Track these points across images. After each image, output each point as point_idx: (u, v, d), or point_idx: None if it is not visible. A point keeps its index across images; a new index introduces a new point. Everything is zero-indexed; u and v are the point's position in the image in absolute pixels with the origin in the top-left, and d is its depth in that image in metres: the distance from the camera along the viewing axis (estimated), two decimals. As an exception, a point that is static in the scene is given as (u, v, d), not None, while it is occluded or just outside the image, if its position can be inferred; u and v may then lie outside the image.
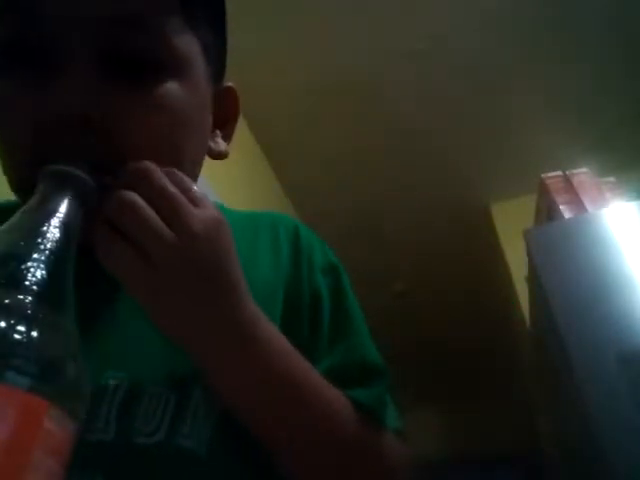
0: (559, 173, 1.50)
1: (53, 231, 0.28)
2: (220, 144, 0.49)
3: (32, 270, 0.25)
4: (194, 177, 0.43)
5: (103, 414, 0.35)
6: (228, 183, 1.66)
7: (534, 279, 1.37)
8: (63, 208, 0.29)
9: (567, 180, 1.46)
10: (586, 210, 1.37)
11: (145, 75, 0.38)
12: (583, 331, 1.11)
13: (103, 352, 0.37)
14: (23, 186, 0.36)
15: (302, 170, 2.40)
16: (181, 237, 0.32)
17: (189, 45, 0.41)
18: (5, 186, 0.40)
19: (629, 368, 1.04)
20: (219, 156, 0.49)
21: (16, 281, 0.24)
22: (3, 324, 0.22)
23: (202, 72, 0.43)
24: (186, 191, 0.33)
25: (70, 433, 0.24)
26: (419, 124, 2.21)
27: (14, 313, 0.23)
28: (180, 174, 0.34)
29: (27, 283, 0.25)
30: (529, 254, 1.36)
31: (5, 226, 0.28)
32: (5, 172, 0.39)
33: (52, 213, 0.29)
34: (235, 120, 0.52)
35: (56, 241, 0.27)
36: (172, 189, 0.33)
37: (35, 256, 0.26)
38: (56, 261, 0.27)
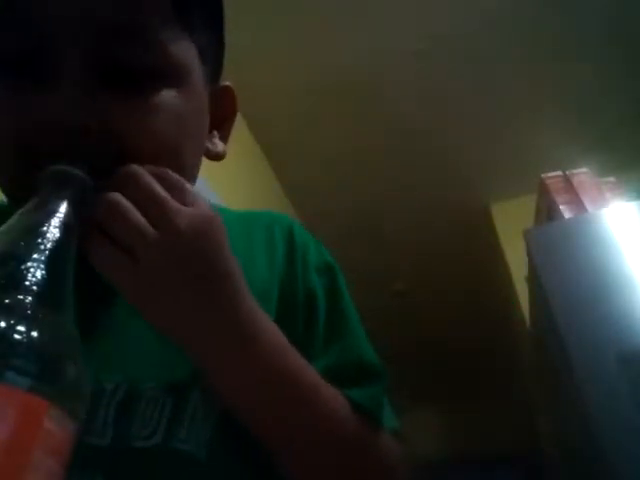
0: (559, 173, 1.50)
1: (53, 231, 0.28)
2: (218, 145, 0.49)
3: (32, 270, 0.25)
4: (192, 178, 0.43)
5: (100, 417, 0.36)
6: (228, 183, 1.66)
7: (534, 279, 1.37)
8: (63, 208, 0.29)
9: (567, 180, 1.46)
10: (586, 210, 1.37)
11: (142, 83, 0.38)
12: (583, 331, 1.11)
13: (100, 354, 0.37)
14: (17, 190, 0.36)
15: (302, 170, 2.40)
16: (165, 235, 0.32)
17: (185, 51, 0.41)
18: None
19: (629, 368, 1.04)
20: (217, 157, 0.49)
21: (16, 281, 0.24)
22: (3, 324, 0.22)
23: (199, 76, 0.43)
24: (177, 191, 0.33)
25: (70, 433, 0.24)
26: (419, 124, 2.21)
27: (14, 313, 0.23)
28: (172, 174, 0.34)
29: (27, 283, 0.25)
30: (529, 254, 1.36)
31: (5, 226, 0.28)
32: None
33: (52, 213, 0.29)
34: (232, 119, 0.51)
35: (56, 241, 0.27)
36: (158, 189, 0.33)
37: (35, 256, 0.26)
38: (56, 261, 0.27)
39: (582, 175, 1.46)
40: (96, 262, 0.32)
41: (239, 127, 1.99)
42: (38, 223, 0.28)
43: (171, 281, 0.32)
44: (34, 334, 0.23)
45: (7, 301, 0.23)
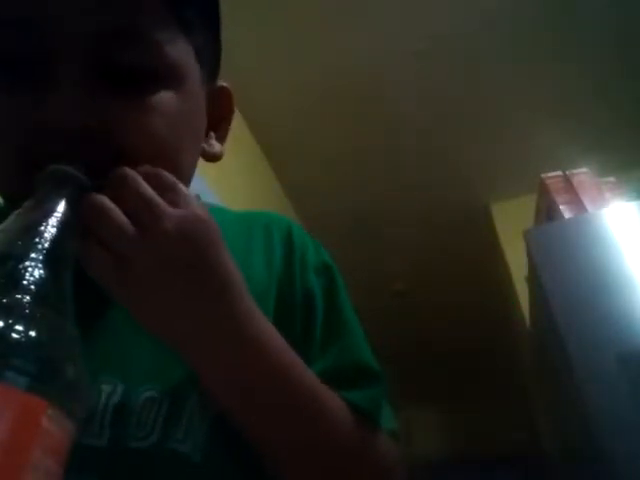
0: (559, 173, 1.50)
1: (51, 230, 0.28)
2: (214, 146, 0.49)
3: (30, 269, 0.25)
4: (189, 178, 0.43)
5: (97, 419, 0.36)
6: (228, 183, 1.66)
7: (534, 279, 1.37)
8: (61, 207, 0.29)
9: (567, 180, 1.46)
10: (586, 210, 1.37)
11: (141, 84, 0.38)
12: (583, 331, 1.11)
13: (98, 355, 0.37)
14: (16, 190, 0.36)
15: (302, 170, 2.40)
16: (150, 235, 0.31)
17: (183, 51, 0.41)
18: None
19: (629, 368, 1.04)
20: (214, 158, 0.48)
21: (14, 280, 0.24)
22: (1, 324, 0.22)
23: (196, 76, 0.43)
24: (170, 192, 0.33)
25: (69, 433, 0.24)
26: (419, 124, 2.21)
27: (12, 313, 0.23)
28: (166, 175, 0.34)
29: (25, 282, 0.24)
30: (529, 254, 1.36)
31: (2, 226, 0.28)
32: None
33: (50, 212, 0.29)
34: (229, 120, 0.51)
35: (54, 240, 0.27)
36: (149, 191, 0.33)
37: (33, 255, 0.26)
38: (54, 260, 0.27)
39: (582, 175, 1.46)
40: (85, 264, 0.32)
41: (239, 127, 1.99)
42: (36, 222, 0.28)
43: (158, 281, 0.32)
44: (32, 334, 0.23)
45: (5, 301, 0.23)
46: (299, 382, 0.38)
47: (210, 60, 0.46)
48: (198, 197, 0.56)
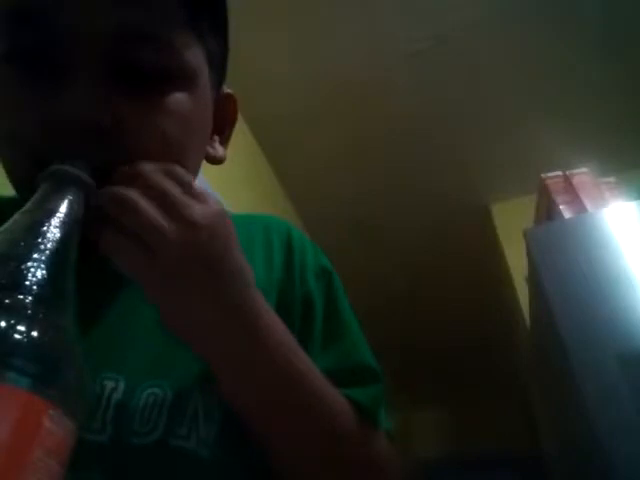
0: (559, 173, 1.50)
1: (53, 231, 0.28)
2: (218, 149, 0.50)
3: (32, 270, 0.25)
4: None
5: (99, 415, 0.36)
6: (228, 184, 1.66)
7: (534, 279, 1.37)
8: (63, 208, 0.29)
9: (567, 180, 1.46)
10: (586, 210, 1.37)
11: (155, 85, 0.39)
12: (583, 331, 1.11)
13: (101, 352, 0.37)
14: (24, 185, 0.36)
15: (302, 170, 2.40)
16: (180, 226, 0.32)
17: (196, 56, 0.42)
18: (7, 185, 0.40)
19: (629, 368, 1.04)
20: (216, 161, 0.49)
21: (16, 281, 0.24)
22: (3, 324, 0.22)
23: (207, 80, 0.44)
24: (186, 187, 0.34)
25: (70, 433, 0.24)
26: (419, 124, 2.21)
27: (14, 313, 0.23)
28: (180, 170, 0.35)
29: (27, 283, 0.25)
30: (529, 254, 1.36)
31: (5, 226, 0.28)
32: (7, 171, 0.40)
33: (52, 213, 0.29)
34: (233, 126, 0.53)
35: (56, 241, 0.27)
36: (168, 184, 0.33)
37: (35, 256, 0.26)
38: (56, 261, 0.27)
39: (582, 175, 1.46)
40: (111, 256, 0.32)
41: (240, 128, 1.99)
42: (38, 223, 0.28)
43: (188, 273, 0.32)
44: (34, 334, 0.23)
45: (7, 301, 0.23)
46: (309, 381, 0.39)
47: (219, 64, 0.47)
48: None
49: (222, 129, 0.51)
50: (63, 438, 0.23)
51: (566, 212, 1.38)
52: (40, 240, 0.27)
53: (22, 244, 0.26)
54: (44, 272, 0.25)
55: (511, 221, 2.29)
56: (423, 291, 3.18)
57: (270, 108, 2.08)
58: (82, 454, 0.26)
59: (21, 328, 0.22)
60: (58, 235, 0.28)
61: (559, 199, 1.42)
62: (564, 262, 1.23)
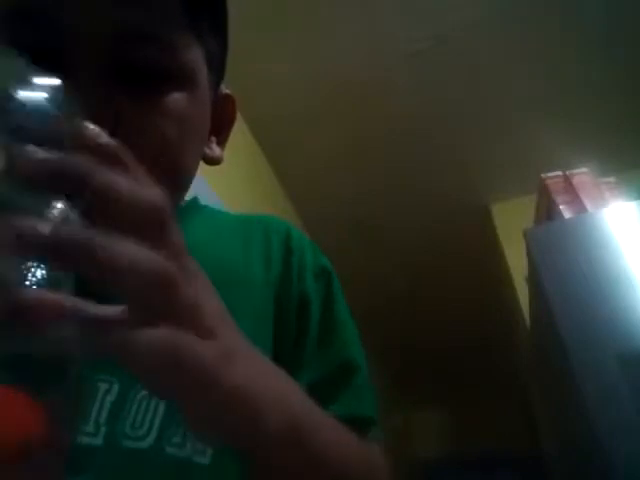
0: (559, 173, 1.50)
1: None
2: (215, 150, 0.50)
3: (32, 270, 0.25)
4: (190, 180, 0.44)
5: (93, 418, 0.35)
6: (228, 184, 1.66)
7: (534, 279, 1.37)
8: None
9: (567, 180, 1.46)
10: (586, 210, 1.37)
11: (155, 84, 0.39)
12: (583, 331, 1.11)
13: None
14: None
15: (302, 170, 2.40)
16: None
17: (196, 57, 0.42)
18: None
19: (629, 368, 1.04)
20: (214, 162, 0.49)
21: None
22: (2, 324, 0.22)
23: (206, 81, 0.44)
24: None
25: (67, 434, 0.24)
26: (419, 124, 2.21)
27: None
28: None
29: (27, 283, 0.25)
30: (529, 254, 1.36)
31: None
32: None
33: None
34: (231, 127, 0.53)
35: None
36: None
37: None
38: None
39: (582, 175, 1.46)
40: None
41: (240, 128, 1.99)
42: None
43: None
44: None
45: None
46: (324, 438, 0.33)
47: (218, 65, 0.47)
48: (196, 199, 0.56)
49: (220, 130, 0.51)
50: (60, 439, 0.23)
51: (566, 212, 1.38)
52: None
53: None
54: (44, 272, 0.25)
55: (511, 221, 2.29)
56: (423, 291, 3.18)
57: (270, 108, 2.08)
58: (76, 457, 0.26)
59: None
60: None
61: (559, 199, 1.42)
62: (564, 262, 1.23)
